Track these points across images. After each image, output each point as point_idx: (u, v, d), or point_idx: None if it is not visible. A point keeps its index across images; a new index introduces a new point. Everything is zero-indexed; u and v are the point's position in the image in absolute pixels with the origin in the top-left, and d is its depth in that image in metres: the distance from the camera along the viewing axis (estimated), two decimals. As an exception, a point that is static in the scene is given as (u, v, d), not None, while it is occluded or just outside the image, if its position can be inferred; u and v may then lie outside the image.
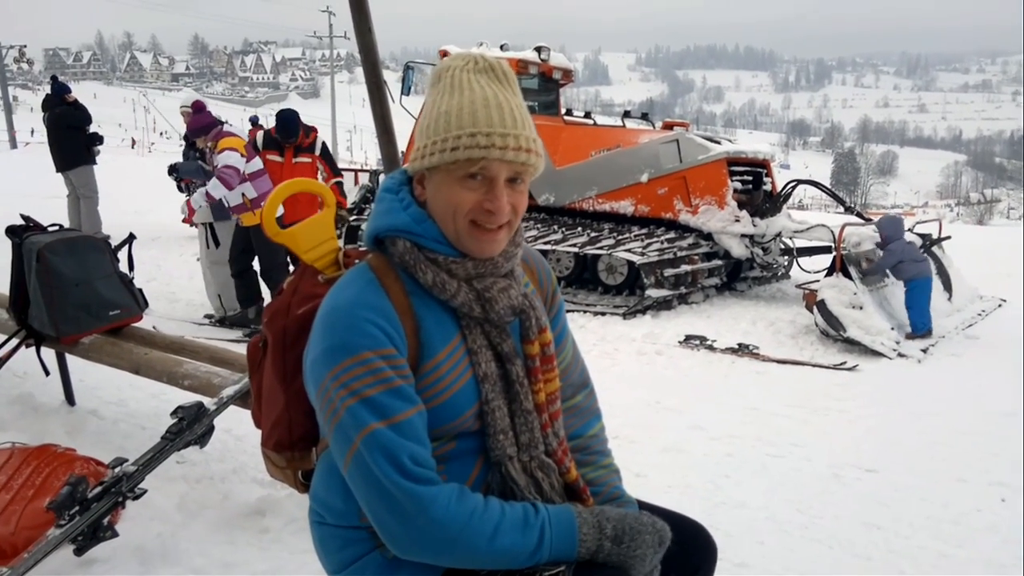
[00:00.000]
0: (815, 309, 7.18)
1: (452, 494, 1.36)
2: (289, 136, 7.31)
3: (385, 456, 1.32)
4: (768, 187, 9.85)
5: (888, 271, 7.60)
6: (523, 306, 1.50)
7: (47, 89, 10.61)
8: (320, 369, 1.38)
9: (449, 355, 1.45)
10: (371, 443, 1.32)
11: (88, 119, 10.31)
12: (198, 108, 6.94)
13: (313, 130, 7.72)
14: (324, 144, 7.80)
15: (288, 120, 7.34)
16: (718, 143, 9.53)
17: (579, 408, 1.72)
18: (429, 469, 1.36)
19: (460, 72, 1.43)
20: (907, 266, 7.43)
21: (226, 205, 6.54)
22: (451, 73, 1.43)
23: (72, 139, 10.03)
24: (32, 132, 27.37)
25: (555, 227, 9.74)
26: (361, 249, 1.67)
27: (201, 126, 6.67)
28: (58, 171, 10.16)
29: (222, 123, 6.74)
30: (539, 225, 9.87)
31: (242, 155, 6.35)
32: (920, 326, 7.29)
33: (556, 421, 1.56)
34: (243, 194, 6.40)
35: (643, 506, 1.67)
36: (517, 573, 1.39)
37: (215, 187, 6.29)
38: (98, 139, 10.47)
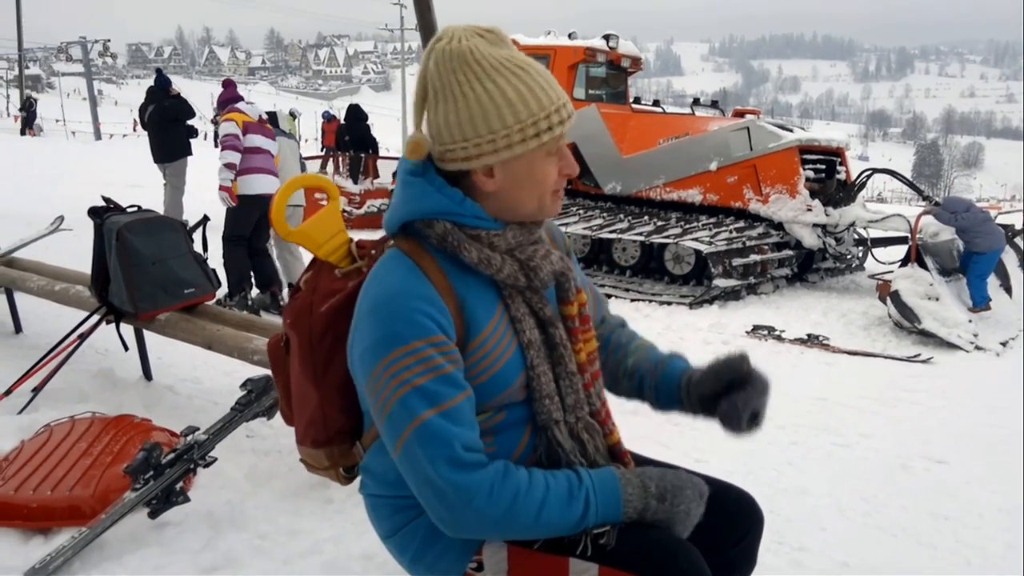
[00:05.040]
0: (889, 300, 6.99)
1: (496, 478, 1.36)
2: None
3: (436, 447, 1.33)
4: (842, 176, 9.61)
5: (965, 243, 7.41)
6: (563, 269, 1.54)
7: (131, 83, 11.01)
8: (371, 360, 1.38)
9: (494, 329, 1.46)
10: (422, 433, 1.33)
11: (192, 112, 10.67)
12: (225, 84, 7.16)
13: None
14: None
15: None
16: (790, 131, 9.32)
17: (606, 323, 1.86)
18: (479, 452, 1.37)
19: (486, 51, 1.39)
20: (979, 239, 7.26)
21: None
22: (476, 56, 1.38)
23: (176, 132, 10.28)
24: (131, 125, 28.22)
25: (621, 216, 9.67)
26: (374, 240, 1.66)
27: (222, 100, 6.96)
28: (157, 162, 10.35)
29: (239, 100, 6.88)
30: (605, 214, 9.80)
31: (238, 125, 6.45)
32: (980, 300, 7.20)
33: (597, 381, 1.59)
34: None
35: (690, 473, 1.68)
36: (566, 538, 1.42)
37: (224, 156, 6.37)
38: (194, 132, 10.83)
